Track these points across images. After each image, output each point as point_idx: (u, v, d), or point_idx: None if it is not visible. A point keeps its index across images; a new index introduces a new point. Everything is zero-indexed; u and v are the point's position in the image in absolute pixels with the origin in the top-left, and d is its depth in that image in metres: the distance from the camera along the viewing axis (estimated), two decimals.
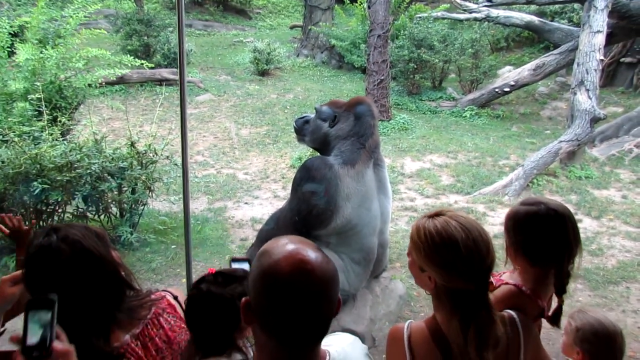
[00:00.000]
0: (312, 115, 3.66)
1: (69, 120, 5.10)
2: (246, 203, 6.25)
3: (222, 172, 7.29)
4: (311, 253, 0.98)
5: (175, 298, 1.49)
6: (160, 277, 4.29)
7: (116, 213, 4.71)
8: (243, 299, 1.01)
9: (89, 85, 6.78)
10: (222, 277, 1.32)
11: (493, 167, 7.45)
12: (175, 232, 5.05)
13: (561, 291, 1.51)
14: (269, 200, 6.38)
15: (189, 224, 2.65)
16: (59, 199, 4.17)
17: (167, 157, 4.90)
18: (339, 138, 3.46)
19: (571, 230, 1.49)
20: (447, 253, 1.25)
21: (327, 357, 1.09)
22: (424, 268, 1.31)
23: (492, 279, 1.63)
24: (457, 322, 1.25)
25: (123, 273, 1.37)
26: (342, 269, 3.48)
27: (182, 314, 1.44)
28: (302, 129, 3.65)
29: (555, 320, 1.55)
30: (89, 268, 1.26)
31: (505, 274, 1.64)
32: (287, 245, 0.99)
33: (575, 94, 7.25)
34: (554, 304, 1.60)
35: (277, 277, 0.94)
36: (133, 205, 4.67)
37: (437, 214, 1.33)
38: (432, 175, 7.10)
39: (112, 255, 1.36)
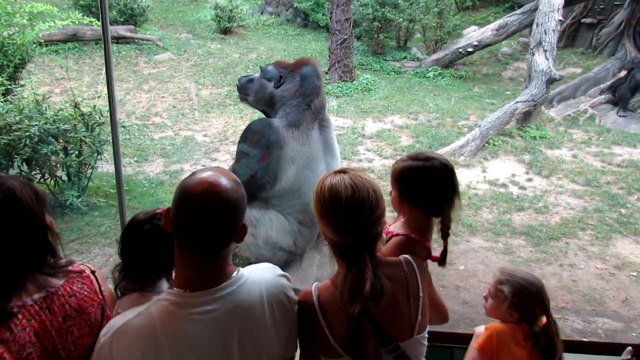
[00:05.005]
0: (257, 75, 3.59)
1: (7, 79, 4.83)
2: (203, 165, 6.17)
3: (180, 134, 7.15)
4: (224, 180, 1.19)
5: (93, 272, 1.48)
6: (110, 241, 4.24)
7: (62, 176, 4.58)
8: (167, 207, 1.24)
9: (33, 42, 6.42)
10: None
11: (452, 127, 7.53)
12: (127, 195, 4.96)
13: (446, 235, 1.65)
14: (228, 162, 6.31)
15: (122, 186, 2.60)
16: None
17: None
18: (284, 99, 3.42)
19: (456, 182, 1.63)
20: (331, 208, 1.31)
21: (237, 272, 1.28)
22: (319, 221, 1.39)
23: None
24: (341, 276, 1.33)
25: (50, 238, 1.36)
26: (289, 230, 3.52)
27: (97, 288, 1.44)
28: (245, 88, 3.59)
29: (442, 261, 1.72)
30: (17, 219, 1.27)
31: (392, 226, 1.73)
32: (208, 171, 1.22)
33: (533, 54, 7.31)
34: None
35: (188, 193, 1.18)
36: (80, 169, 4.55)
37: (341, 171, 1.38)
38: (392, 136, 7.14)
39: (45, 216, 1.35)
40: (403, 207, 1.65)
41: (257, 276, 1.32)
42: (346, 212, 1.30)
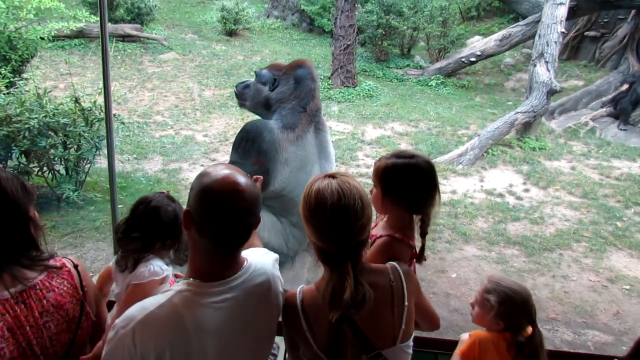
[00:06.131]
0: (253, 80, 3.61)
1: (11, 72, 4.87)
2: (202, 165, 6.20)
3: (180, 133, 7.18)
4: (241, 178, 1.24)
5: (76, 267, 1.47)
6: (104, 236, 4.26)
7: (59, 170, 4.61)
8: (185, 207, 1.26)
9: (42, 38, 6.48)
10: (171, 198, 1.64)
11: (452, 136, 7.55)
12: (124, 192, 4.99)
13: (424, 233, 1.66)
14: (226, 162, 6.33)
15: (114, 182, 2.62)
16: None
17: (115, 115, 4.76)
18: (279, 101, 3.44)
19: (437, 180, 1.64)
20: (316, 213, 1.30)
21: (246, 262, 1.35)
22: (304, 225, 1.37)
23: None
24: (324, 281, 1.32)
25: (33, 231, 1.34)
26: (281, 232, 3.52)
27: (77, 283, 1.44)
28: (243, 94, 3.61)
29: (419, 259, 1.71)
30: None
31: (374, 229, 1.72)
32: (223, 169, 1.25)
33: (534, 65, 7.32)
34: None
35: (214, 194, 1.21)
36: (78, 163, 4.57)
37: (330, 176, 1.37)
38: (391, 142, 7.15)
39: (30, 209, 1.35)
40: (385, 205, 1.63)
41: (262, 263, 1.40)
42: (331, 218, 1.28)
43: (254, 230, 1.31)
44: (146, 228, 1.58)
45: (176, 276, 1.73)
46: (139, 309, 1.21)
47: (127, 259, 1.59)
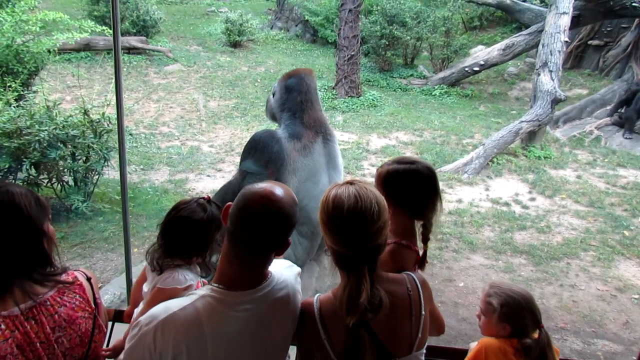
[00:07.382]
0: None
1: (20, 85, 4.94)
2: (208, 175, 6.23)
3: (186, 144, 7.23)
4: (278, 190, 1.31)
5: (88, 280, 1.46)
6: (112, 247, 4.28)
7: (68, 181, 4.64)
8: (227, 203, 1.33)
9: (48, 50, 6.56)
10: (213, 204, 1.61)
11: (457, 145, 7.56)
12: (132, 202, 5.02)
13: (426, 239, 1.67)
14: (232, 173, 6.35)
15: (126, 193, 2.64)
16: (7, 166, 4.10)
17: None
18: (279, 109, 3.48)
19: (439, 186, 1.66)
20: (333, 216, 1.32)
21: (270, 275, 1.39)
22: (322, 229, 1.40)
23: None
24: (341, 287, 1.33)
25: (46, 245, 1.34)
26: None
27: (90, 296, 1.43)
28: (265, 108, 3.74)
29: (421, 265, 1.71)
30: (12, 223, 1.27)
31: None
32: (264, 183, 1.33)
33: (538, 74, 7.36)
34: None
35: (249, 203, 1.28)
36: (86, 174, 4.61)
37: (348, 182, 1.39)
38: (396, 152, 7.17)
39: (44, 224, 1.34)
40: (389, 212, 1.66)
41: (285, 277, 1.44)
42: (347, 220, 1.31)
43: (285, 245, 1.33)
44: (170, 237, 1.59)
45: (204, 283, 1.74)
46: (163, 308, 1.26)
47: (153, 262, 1.61)
